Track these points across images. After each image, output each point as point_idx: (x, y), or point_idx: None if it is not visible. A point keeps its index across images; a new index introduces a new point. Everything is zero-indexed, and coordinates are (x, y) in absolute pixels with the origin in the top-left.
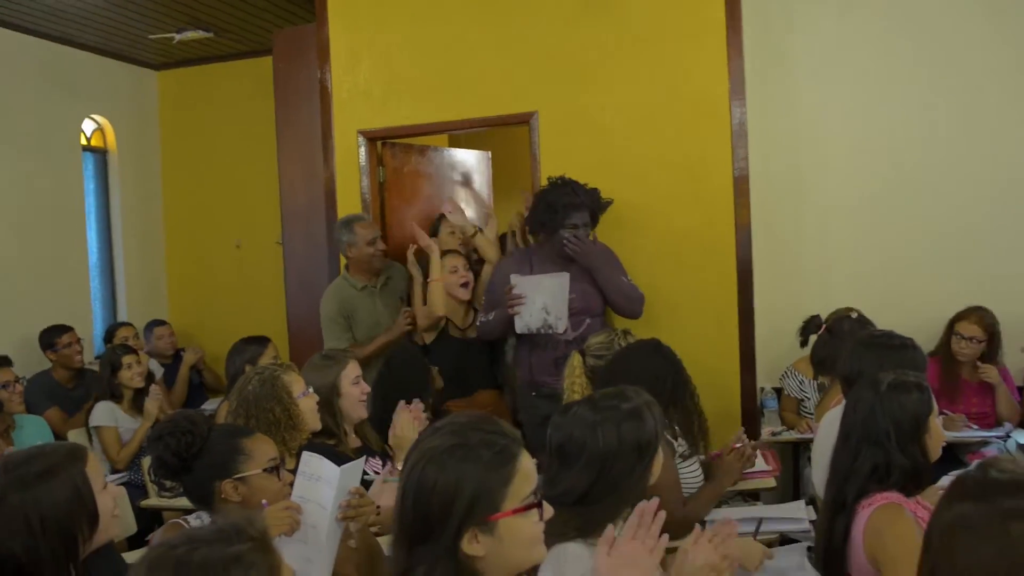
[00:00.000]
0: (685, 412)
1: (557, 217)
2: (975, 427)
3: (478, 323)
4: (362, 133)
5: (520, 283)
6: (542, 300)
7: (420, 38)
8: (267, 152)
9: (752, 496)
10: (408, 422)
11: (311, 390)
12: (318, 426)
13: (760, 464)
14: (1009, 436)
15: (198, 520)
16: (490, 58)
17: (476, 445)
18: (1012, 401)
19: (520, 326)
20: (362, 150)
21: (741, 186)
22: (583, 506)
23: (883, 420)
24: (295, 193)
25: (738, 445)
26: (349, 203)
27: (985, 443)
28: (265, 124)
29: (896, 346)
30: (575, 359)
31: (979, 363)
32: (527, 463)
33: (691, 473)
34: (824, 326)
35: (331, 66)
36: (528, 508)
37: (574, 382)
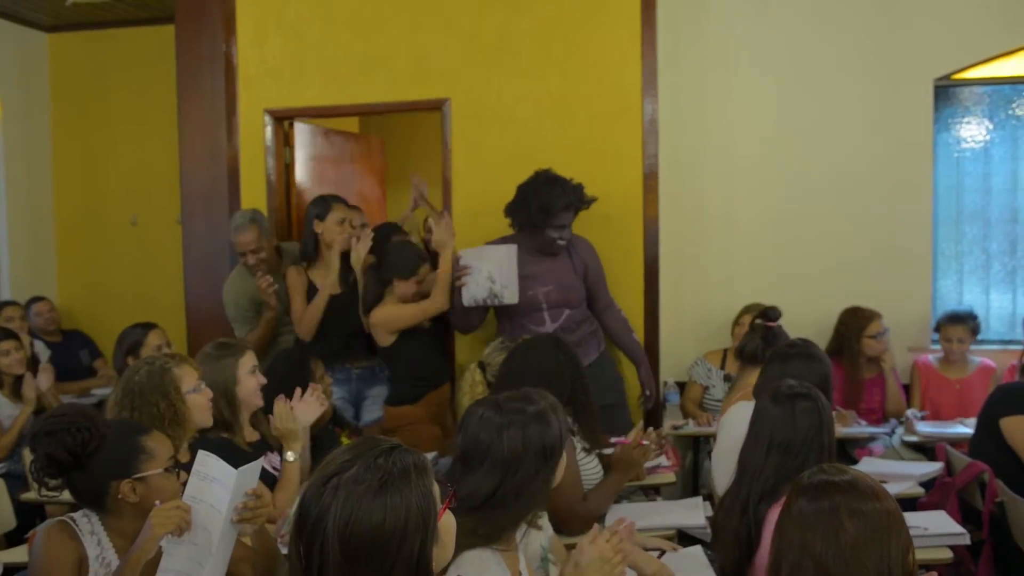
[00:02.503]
0: (583, 408)
1: (549, 219)
2: (863, 423)
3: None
4: (269, 112)
5: (465, 255)
6: (487, 268)
7: (332, 16)
8: (168, 126)
9: (655, 490)
10: (286, 412)
11: (203, 386)
12: (208, 423)
13: (660, 459)
14: (894, 432)
15: (85, 518)
16: (404, 41)
17: (398, 473)
18: (900, 397)
19: (467, 298)
20: (268, 129)
21: (650, 181)
22: (488, 510)
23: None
24: (197, 171)
25: (645, 442)
26: (254, 184)
27: (872, 439)
28: (166, 96)
29: (808, 356)
30: (476, 373)
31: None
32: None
33: (591, 468)
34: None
35: (237, 39)
36: (447, 507)
37: (475, 396)
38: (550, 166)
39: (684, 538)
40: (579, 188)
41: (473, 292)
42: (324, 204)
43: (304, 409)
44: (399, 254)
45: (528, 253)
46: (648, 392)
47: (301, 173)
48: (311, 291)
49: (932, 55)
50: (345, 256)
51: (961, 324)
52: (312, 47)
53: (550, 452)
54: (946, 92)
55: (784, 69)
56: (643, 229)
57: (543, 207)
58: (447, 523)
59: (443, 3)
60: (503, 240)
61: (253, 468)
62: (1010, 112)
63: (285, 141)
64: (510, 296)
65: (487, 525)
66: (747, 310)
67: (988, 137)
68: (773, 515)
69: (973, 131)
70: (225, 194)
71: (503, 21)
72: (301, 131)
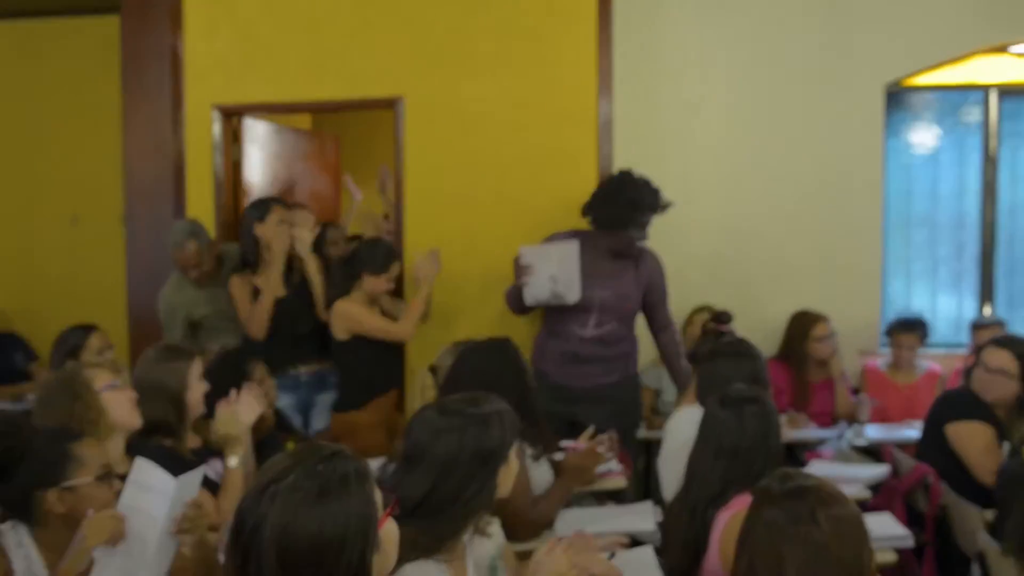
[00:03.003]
0: (530, 414)
1: (636, 215)
2: (814, 426)
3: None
4: (217, 107)
5: (527, 253)
6: (549, 270)
7: (283, 10)
8: (111, 120)
9: (613, 496)
10: (229, 416)
11: (118, 383)
12: (132, 422)
13: (612, 464)
14: (843, 435)
15: (13, 531)
16: (357, 37)
17: (338, 481)
18: (849, 400)
19: (529, 298)
20: (216, 125)
21: None
22: (425, 517)
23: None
24: (142, 167)
25: (600, 449)
26: (201, 181)
27: (822, 442)
28: (110, 89)
29: (748, 355)
30: (426, 378)
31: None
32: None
33: (541, 475)
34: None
35: (185, 32)
36: (389, 514)
37: (425, 402)
38: (505, 167)
39: (636, 544)
40: (659, 192)
41: (535, 293)
42: (263, 206)
43: (243, 410)
44: (371, 249)
45: (597, 254)
46: None
47: (251, 170)
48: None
49: (883, 61)
50: (288, 258)
51: (913, 333)
52: (263, 42)
53: (488, 456)
54: (896, 98)
55: (739, 72)
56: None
57: (632, 202)
58: (389, 531)
59: (397, 0)
60: (569, 235)
61: (193, 477)
62: (957, 118)
63: (234, 137)
64: (573, 295)
65: (427, 535)
66: (697, 311)
67: (936, 143)
68: (721, 520)
69: (922, 137)
70: (171, 191)
71: (459, 19)
72: (251, 127)
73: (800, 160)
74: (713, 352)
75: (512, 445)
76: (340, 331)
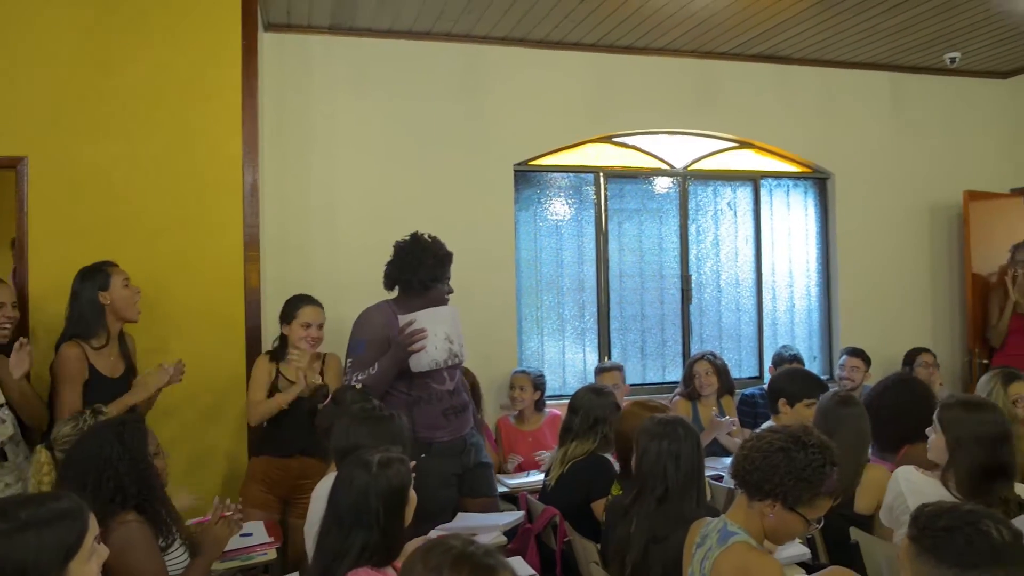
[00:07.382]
0: (148, 501)
1: (444, 271)
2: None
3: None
4: None
5: (418, 318)
6: (444, 330)
7: None
8: None
9: (264, 570)
10: None
11: None
12: None
13: (261, 536)
14: None
15: None
16: None
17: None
18: (491, 451)
19: (427, 362)
20: None
21: (251, 251)
22: None
23: (375, 501)
24: None
25: (228, 513)
26: None
27: None
28: None
29: (384, 418)
30: (42, 454)
31: None
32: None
33: (177, 560)
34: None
35: None
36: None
37: (41, 480)
38: (148, 232)
39: None
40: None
41: (434, 356)
42: (101, 273)
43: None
44: (286, 302)
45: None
46: None
47: None
48: (94, 380)
49: (513, 144)
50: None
51: (523, 374)
52: None
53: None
54: (526, 177)
55: (389, 147)
56: (244, 299)
57: (438, 259)
58: None
59: (21, 52)
60: (385, 304)
61: None
62: (575, 196)
63: None
64: (466, 354)
65: None
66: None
67: (559, 216)
68: None
69: (547, 210)
70: None
71: (89, 80)
72: None
73: (446, 230)
74: (347, 417)
75: (75, 548)
76: None
